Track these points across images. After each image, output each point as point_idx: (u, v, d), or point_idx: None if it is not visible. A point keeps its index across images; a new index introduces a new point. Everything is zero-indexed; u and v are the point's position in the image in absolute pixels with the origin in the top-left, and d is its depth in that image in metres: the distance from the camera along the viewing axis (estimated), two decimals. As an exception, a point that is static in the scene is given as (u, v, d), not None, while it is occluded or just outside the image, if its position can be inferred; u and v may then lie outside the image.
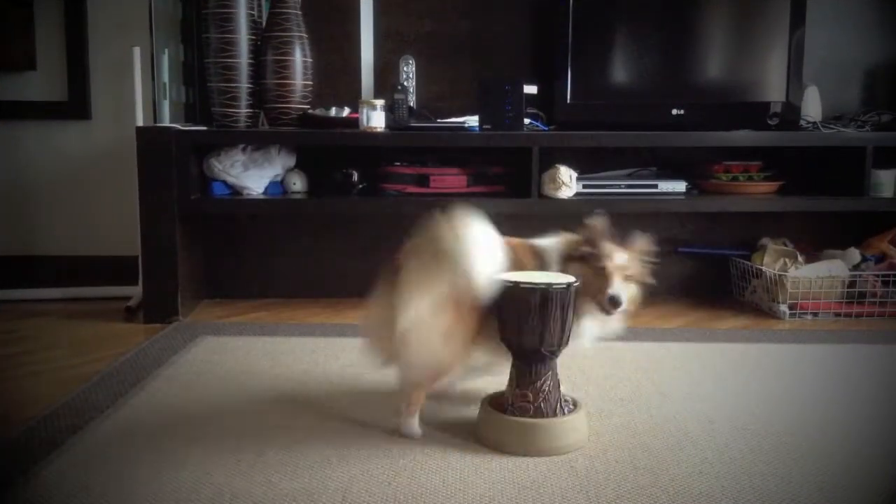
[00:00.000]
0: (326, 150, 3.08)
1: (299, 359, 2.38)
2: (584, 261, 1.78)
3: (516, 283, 1.67)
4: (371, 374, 2.21)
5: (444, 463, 1.65)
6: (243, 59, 2.97)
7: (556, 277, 1.72)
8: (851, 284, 2.99)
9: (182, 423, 1.88)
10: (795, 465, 1.66)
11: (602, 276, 1.75)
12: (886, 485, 1.57)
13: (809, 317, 2.96)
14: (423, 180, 2.98)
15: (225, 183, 2.97)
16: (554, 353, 1.72)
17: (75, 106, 3.37)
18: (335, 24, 3.25)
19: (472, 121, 3.00)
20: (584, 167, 3.07)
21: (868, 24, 3.33)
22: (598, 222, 1.78)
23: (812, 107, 3.17)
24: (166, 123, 2.92)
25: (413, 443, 1.75)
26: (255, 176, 2.98)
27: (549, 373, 1.73)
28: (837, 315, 2.96)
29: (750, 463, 1.66)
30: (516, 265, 1.79)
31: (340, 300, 3.19)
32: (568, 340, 1.72)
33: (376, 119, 2.89)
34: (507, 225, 3.14)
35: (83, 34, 3.31)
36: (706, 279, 3.34)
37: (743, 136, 2.99)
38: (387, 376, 2.07)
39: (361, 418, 1.90)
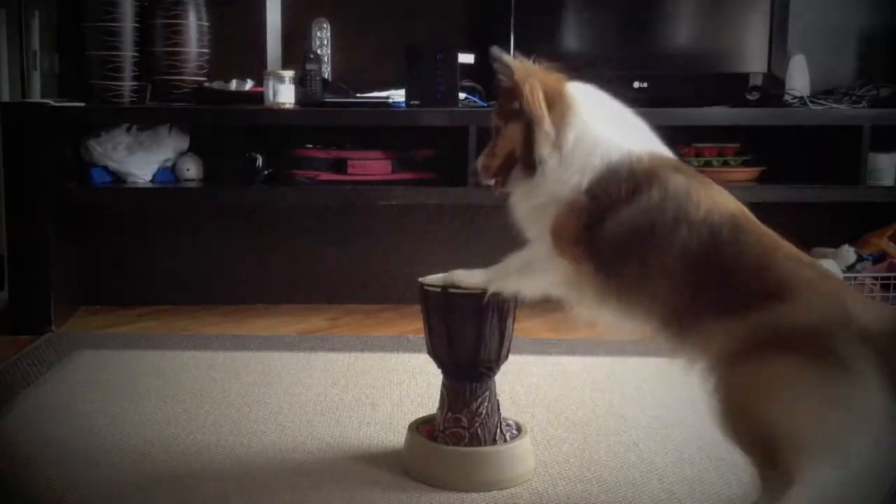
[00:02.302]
0: (226, 130, 3.00)
1: (194, 377, 2.27)
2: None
3: (445, 289, 1.59)
4: (279, 392, 2.14)
5: (366, 500, 1.58)
6: (128, 22, 2.85)
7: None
8: (845, 289, 2.79)
9: (55, 451, 1.78)
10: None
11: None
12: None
13: (795, 327, 2.74)
14: (339, 166, 2.88)
15: (106, 169, 2.85)
16: (492, 370, 1.65)
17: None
18: (237, -18, 3.20)
19: (398, 95, 2.89)
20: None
21: (864, -17, 3.32)
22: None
23: (798, 79, 3.06)
24: (37, 98, 2.88)
25: (328, 476, 1.66)
26: (141, 161, 2.87)
27: (487, 393, 1.65)
28: (829, 325, 2.74)
29: (725, 499, 1.60)
30: None
31: (241, 307, 3.04)
32: (507, 355, 1.65)
33: (284, 94, 2.78)
34: (438, 218, 3.11)
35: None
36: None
37: (717, 114, 2.91)
38: (295, 397, 2.11)
39: (268, 446, 1.82)
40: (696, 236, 1.36)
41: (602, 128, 1.45)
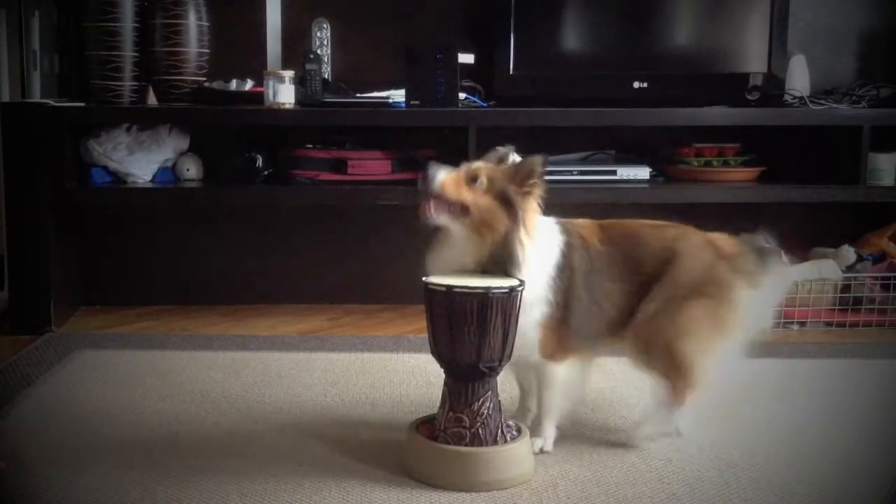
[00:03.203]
0: (226, 130, 2.99)
1: (194, 377, 2.27)
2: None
3: (449, 288, 1.61)
4: (279, 392, 2.16)
5: (365, 499, 1.59)
6: (128, 22, 2.84)
7: (495, 280, 1.64)
8: (845, 289, 2.88)
9: (55, 451, 1.78)
10: (779, 503, 1.60)
11: None
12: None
13: (795, 327, 2.85)
14: (339, 166, 2.87)
15: (106, 169, 2.84)
16: (494, 370, 1.66)
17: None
18: (236, -18, 3.18)
19: (398, 95, 2.89)
20: (530, 150, 3.02)
21: (864, -18, 3.31)
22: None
23: (799, 79, 3.06)
24: (37, 98, 2.86)
25: (328, 476, 1.68)
26: (141, 161, 2.86)
27: (489, 393, 1.66)
28: (829, 325, 2.85)
29: (725, 499, 1.60)
30: None
31: (241, 307, 3.04)
32: (511, 354, 1.66)
33: (284, 93, 2.77)
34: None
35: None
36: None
37: (717, 114, 2.91)
38: (295, 397, 2.12)
39: (268, 447, 1.82)
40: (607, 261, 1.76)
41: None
